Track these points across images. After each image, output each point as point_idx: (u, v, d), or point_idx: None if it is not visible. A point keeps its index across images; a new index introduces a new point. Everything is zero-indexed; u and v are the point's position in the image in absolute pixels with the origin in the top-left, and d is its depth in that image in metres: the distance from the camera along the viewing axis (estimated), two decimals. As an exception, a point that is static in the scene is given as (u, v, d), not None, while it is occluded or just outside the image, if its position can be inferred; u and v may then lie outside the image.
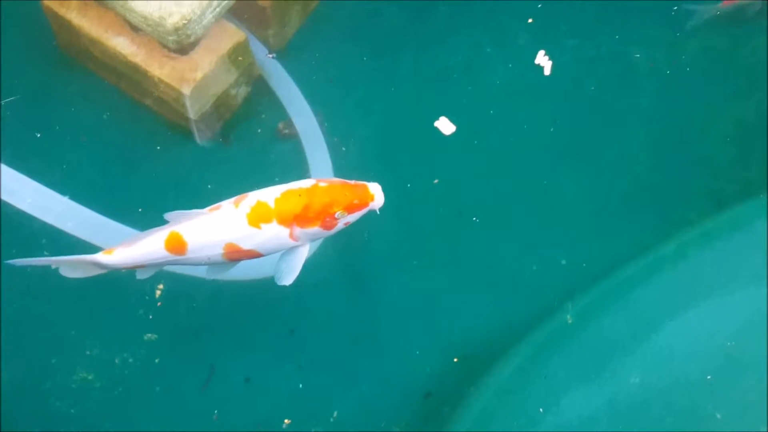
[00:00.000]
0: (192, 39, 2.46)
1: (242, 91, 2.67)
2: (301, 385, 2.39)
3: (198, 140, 2.63)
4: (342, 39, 2.80)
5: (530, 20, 2.84)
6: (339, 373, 2.42)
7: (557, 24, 2.86)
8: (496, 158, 2.68)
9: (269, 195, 2.00)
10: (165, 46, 2.48)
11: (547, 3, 2.87)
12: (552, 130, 2.72)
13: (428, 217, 2.57)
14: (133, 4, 2.41)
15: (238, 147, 2.65)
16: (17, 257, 2.03)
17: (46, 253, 2.44)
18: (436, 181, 2.60)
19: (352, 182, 2.04)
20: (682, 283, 2.30)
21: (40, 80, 2.66)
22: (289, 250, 2.06)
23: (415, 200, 2.54)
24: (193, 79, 2.49)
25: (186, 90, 2.49)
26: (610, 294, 2.34)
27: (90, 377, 2.36)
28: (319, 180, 2.03)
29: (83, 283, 2.39)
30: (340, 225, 2.04)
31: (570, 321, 2.29)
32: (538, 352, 2.28)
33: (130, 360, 2.37)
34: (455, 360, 2.42)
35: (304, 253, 2.07)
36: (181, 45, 2.46)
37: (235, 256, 2.03)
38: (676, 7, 2.85)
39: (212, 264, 2.07)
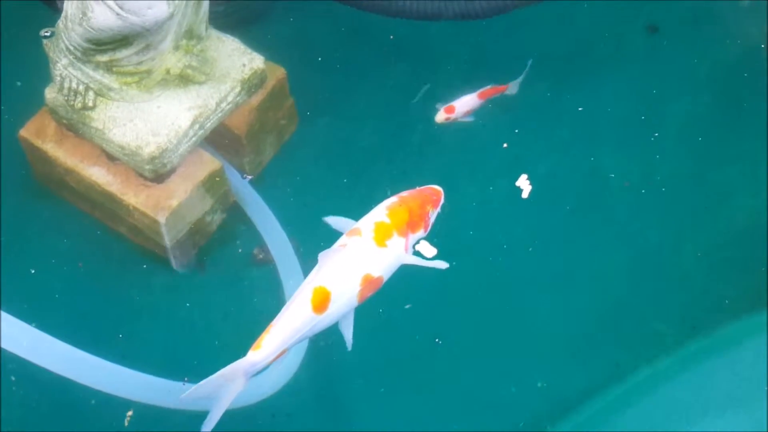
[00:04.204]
0: (168, 168, 2.49)
1: (217, 218, 2.69)
2: None
3: (173, 267, 2.64)
4: (317, 164, 2.84)
5: (505, 145, 2.89)
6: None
7: (532, 147, 2.90)
8: (474, 279, 2.68)
9: (379, 215, 2.08)
10: (141, 175, 2.51)
11: (523, 128, 2.92)
12: (530, 249, 2.74)
13: (402, 343, 2.55)
14: (110, 134, 2.45)
15: (213, 273, 2.65)
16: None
17: (13, 378, 2.40)
18: (407, 306, 2.60)
19: (417, 188, 2.20)
20: (660, 408, 2.29)
21: (13, 209, 2.67)
22: (411, 257, 2.11)
23: (390, 326, 2.53)
24: (168, 206, 2.51)
25: (161, 218, 2.50)
26: (588, 421, 2.32)
27: None
28: (398, 195, 2.15)
29: (56, 410, 2.39)
30: (431, 222, 2.15)
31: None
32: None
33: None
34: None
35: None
36: (157, 174, 2.49)
37: (366, 291, 2.02)
38: (657, 133, 2.90)
39: (344, 314, 2.02)
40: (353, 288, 2.00)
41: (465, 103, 2.83)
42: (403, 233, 2.07)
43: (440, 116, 2.82)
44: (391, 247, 2.05)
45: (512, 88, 2.87)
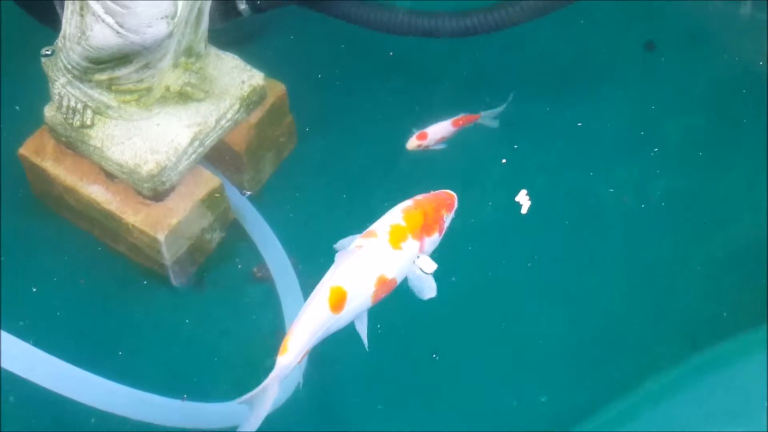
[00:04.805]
0: (167, 186, 2.50)
1: (217, 236, 2.69)
2: None
3: (172, 284, 2.64)
4: (316, 181, 2.85)
5: (504, 161, 2.89)
6: None
7: (531, 163, 2.91)
8: (473, 294, 2.68)
9: (395, 218, 2.06)
10: (140, 193, 2.51)
11: (522, 144, 2.93)
12: (530, 265, 2.74)
13: (401, 358, 2.55)
14: (108, 152, 2.45)
15: (212, 291, 2.65)
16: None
17: (11, 399, 2.40)
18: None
19: (432, 192, 2.18)
20: (660, 424, 2.27)
21: (13, 228, 2.68)
22: (415, 269, 2.09)
23: (388, 341, 2.51)
24: (167, 224, 2.52)
25: (160, 236, 2.51)
26: (590, 437, 2.31)
27: None
28: (413, 198, 2.13)
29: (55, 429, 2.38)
30: (446, 226, 2.14)
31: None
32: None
33: None
34: None
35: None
36: (156, 192, 2.49)
37: (379, 293, 2.02)
38: (656, 149, 2.90)
39: (358, 315, 2.02)
40: (368, 289, 1.99)
41: (438, 131, 2.78)
42: (418, 236, 2.06)
43: (412, 143, 2.76)
44: (405, 249, 2.04)
45: (485, 118, 2.82)
